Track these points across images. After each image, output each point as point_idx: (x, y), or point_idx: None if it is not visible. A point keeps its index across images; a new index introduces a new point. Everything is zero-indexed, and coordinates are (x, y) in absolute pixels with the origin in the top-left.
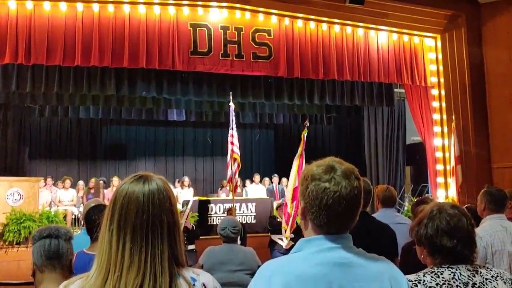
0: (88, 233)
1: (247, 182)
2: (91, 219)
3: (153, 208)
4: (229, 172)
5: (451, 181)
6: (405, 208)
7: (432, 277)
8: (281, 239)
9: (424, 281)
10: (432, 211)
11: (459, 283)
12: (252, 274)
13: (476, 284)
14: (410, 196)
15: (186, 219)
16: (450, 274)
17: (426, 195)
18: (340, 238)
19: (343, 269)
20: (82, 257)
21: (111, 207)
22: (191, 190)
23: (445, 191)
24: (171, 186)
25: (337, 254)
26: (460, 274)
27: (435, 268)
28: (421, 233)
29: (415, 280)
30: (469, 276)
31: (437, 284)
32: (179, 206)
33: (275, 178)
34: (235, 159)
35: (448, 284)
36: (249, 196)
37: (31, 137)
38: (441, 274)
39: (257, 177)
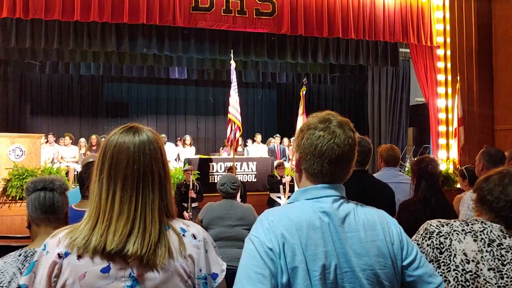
0: (80, 188)
1: (249, 141)
2: (83, 175)
3: (144, 159)
4: (228, 133)
5: (453, 143)
6: (406, 169)
7: (461, 223)
8: (279, 197)
9: (452, 224)
10: (504, 177)
11: (485, 237)
12: (250, 229)
13: (503, 245)
14: (411, 157)
15: (191, 189)
16: (480, 227)
17: (427, 155)
18: (333, 187)
19: (336, 218)
20: (69, 212)
21: (101, 157)
22: (193, 149)
23: (446, 152)
24: (172, 145)
25: (331, 203)
26: (490, 231)
27: (469, 219)
28: (485, 193)
29: (444, 222)
30: (498, 236)
31: (462, 230)
32: (181, 164)
33: (277, 138)
34: (229, 121)
35: (474, 234)
36: (251, 155)
37: (32, 93)
38: (472, 224)
39: (258, 137)
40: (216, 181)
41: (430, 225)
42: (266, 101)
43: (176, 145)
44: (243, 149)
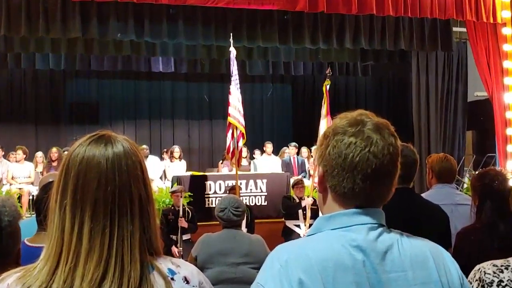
0: (36, 217)
1: (257, 152)
2: (40, 200)
3: (120, 178)
4: (228, 141)
5: None
6: (465, 186)
7: None
8: (298, 226)
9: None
10: None
11: None
12: (259, 269)
13: None
14: (471, 170)
15: (181, 216)
16: None
17: (492, 167)
18: (369, 212)
19: (374, 253)
20: (21, 249)
21: (63, 176)
22: (183, 163)
23: None
24: (156, 158)
25: (366, 233)
26: None
27: None
28: None
29: (501, 266)
30: None
31: None
32: (168, 184)
33: (293, 148)
34: (229, 125)
35: None
36: (259, 170)
37: None
38: None
39: (269, 147)
40: (214, 205)
41: (485, 272)
42: (278, 100)
43: (162, 158)
44: (249, 163)
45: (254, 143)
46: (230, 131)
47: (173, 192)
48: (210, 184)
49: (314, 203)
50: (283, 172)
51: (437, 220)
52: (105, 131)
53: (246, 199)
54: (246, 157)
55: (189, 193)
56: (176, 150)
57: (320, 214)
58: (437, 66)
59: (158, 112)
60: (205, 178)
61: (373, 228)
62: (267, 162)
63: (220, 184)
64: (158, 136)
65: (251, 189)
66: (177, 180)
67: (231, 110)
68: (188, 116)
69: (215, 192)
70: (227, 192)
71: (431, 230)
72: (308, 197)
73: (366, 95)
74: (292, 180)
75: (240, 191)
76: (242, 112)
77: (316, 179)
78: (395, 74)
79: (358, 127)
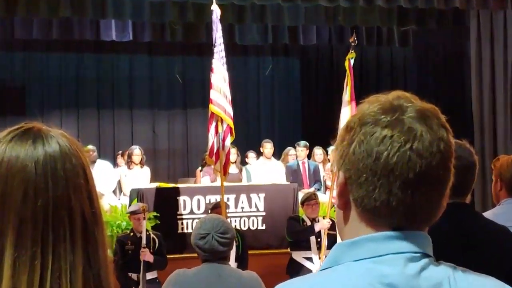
0: None
1: (250, 155)
2: None
3: (55, 188)
4: (211, 139)
5: None
6: None
7: None
8: (310, 259)
9: None
10: None
11: None
12: None
13: None
14: None
15: (144, 246)
16: None
17: None
18: (409, 237)
19: None
20: None
21: None
22: (146, 171)
23: None
24: (108, 164)
25: (404, 267)
26: None
27: None
28: None
29: None
30: None
31: None
32: (125, 200)
33: (301, 149)
34: (212, 115)
35: None
36: (254, 181)
37: None
38: None
39: (267, 147)
40: (190, 230)
41: None
42: (281, 80)
43: (116, 164)
44: (240, 170)
45: (248, 142)
46: (213, 125)
47: (132, 213)
48: (184, 201)
49: (333, 226)
50: (289, 182)
51: (505, 249)
52: (33, 123)
53: (235, 221)
54: (235, 161)
55: (155, 213)
56: (136, 152)
57: (339, 239)
58: (506, 32)
59: (109, 99)
60: (177, 192)
61: (414, 259)
62: (265, 169)
63: (198, 200)
64: (110, 133)
65: (242, 207)
66: (138, 194)
67: (214, 94)
68: (152, 104)
69: (191, 212)
70: (209, 211)
71: (497, 263)
72: (324, 218)
73: (406, 72)
74: (301, 195)
75: (228, 210)
76: (229, 97)
77: (335, 192)
78: (447, 43)
79: (395, 115)
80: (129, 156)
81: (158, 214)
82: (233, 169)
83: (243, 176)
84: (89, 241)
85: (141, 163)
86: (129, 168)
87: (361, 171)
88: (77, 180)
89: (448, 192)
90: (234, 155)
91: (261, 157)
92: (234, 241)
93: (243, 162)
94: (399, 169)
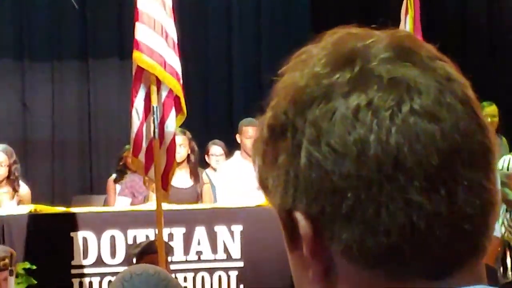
0: None
1: (215, 150)
2: None
3: None
4: (135, 120)
5: None
6: None
7: None
8: None
9: None
10: None
11: None
12: None
13: None
14: None
15: None
16: None
17: None
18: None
19: None
20: None
21: None
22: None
23: None
24: None
25: None
26: None
27: None
28: None
29: None
30: None
31: None
32: None
33: None
34: (139, 73)
35: None
36: (220, 198)
37: None
38: None
39: (250, 132)
40: None
41: None
42: (281, 8)
43: None
44: (196, 179)
45: (211, 125)
46: (141, 92)
47: None
48: (85, 240)
49: None
50: None
51: None
52: None
53: (184, 280)
54: (187, 161)
55: (29, 266)
56: (0, 158)
57: None
58: None
59: None
60: (71, 222)
61: None
62: (243, 175)
63: (113, 238)
64: None
65: (199, 253)
66: None
67: (142, 32)
68: (21, 51)
69: (99, 262)
70: (135, 260)
71: None
72: None
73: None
74: None
75: (170, 259)
76: (174, 39)
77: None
78: None
79: (355, 65)
80: None
81: (35, 267)
82: (182, 178)
83: (202, 190)
84: None
85: (11, 181)
86: None
87: (340, 190)
88: None
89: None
90: (184, 148)
91: (236, 153)
92: None
93: (203, 164)
94: (409, 155)
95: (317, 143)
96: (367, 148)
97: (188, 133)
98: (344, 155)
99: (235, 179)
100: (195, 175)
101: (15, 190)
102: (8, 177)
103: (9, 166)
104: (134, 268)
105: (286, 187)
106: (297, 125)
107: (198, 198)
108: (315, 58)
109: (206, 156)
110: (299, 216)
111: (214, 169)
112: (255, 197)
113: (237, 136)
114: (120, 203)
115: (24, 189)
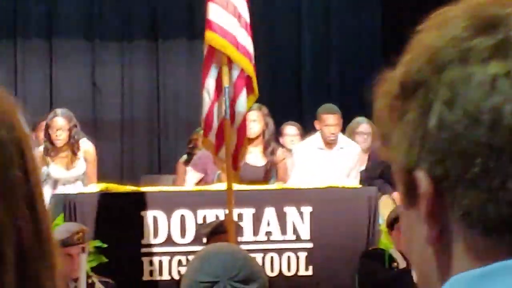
0: None
1: (289, 131)
2: None
3: None
4: (206, 100)
5: None
6: None
7: None
8: None
9: None
10: None
11: None
12: None
13: None
14: None
15: None
16: None
17: None
18: None
19: None
20: None
21: None
22: (81, 160)
23: None
24: None
25: None
26: None
27: None
28: None
29: None
30: None
31: None
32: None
33: None
34: (211, 53)
35: None
36: (293, 178)
37: None
38: None
39: (331, 120)
40: (168, 275)
41: None
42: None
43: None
44: (271, 157)
45: (286, 104)
46: (213, 72)
47: (65, 244)
48: (155, 219)
49: None
50: (364, 185)
51: None
52: None
53: (259, 256)
54: (260, 138)
55: (99, 244)
56: (59, 122)
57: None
58: None
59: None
60: (141, 201)
61: None
62: (318, 163)
63: (183, 217)
64: (9, 81)
65: (269, 233)
66: (66, 206)
67: (215, 12)
68: (91, 31)
69: (169, 241)
70: (207, 239)
71: None
72: None
73: None
74: (385, 208)
75: (239, 239)
76: (247, 19)
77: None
78: None
79: (498, 32)
80: (47, 131)
81: (106, 245)
82: (255, 155)
83: (279, 166)
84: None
85: (70, 144)
86: (48, 154)
87: (468, 155)
88: (8, 174)
89: None
90: (258, 124)
91: (314, 137)
92: None
93: (277, 142)
94: None
95: (451, 105)
96: (502, 118)
97: (264, 108)
98: (477, 121)
99: (310, 161)
100: (269, 152)
101: (74, 154)
102: (68, 141)
103: (69, 130)
104: (212, 247)
105: (411, 146)
106: (431, 85)
107: (270, 176)
108: (455, 21)
109: (280, 135)
110: (421, 176)
111: (289, 150)
112: (327, 176)
113: (316, 123)
114: (191, 177)
115: (88, 145)
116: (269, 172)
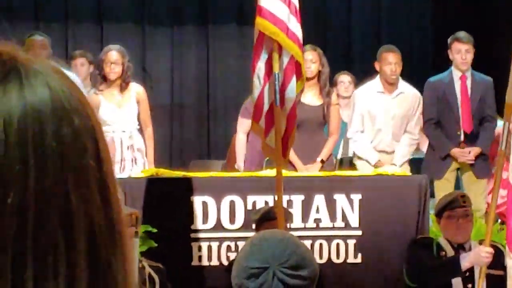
0: None
1: (343, 78)
2: None
3: (41, 173)
4: (257, 86)
5: None
6: None
7: None
8: None
9: None
10: None
11: None
12: None
13: None
14: None
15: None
16: None
17: None
18: None
19: None
20: None
21: None
22: (133, 101)
23: None
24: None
25: None
26: None
27: None
28: None
29: None
30: None
31: None
32: None
33: (466, 46)
34: (261, 38)
35: None
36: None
37: None
38: None
39: (388, 59)
40: (218, 261)
41: None
42: None
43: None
44: (327, 98)
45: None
46: (263, 58)
47: None
48: (205, 204)
49: (497, 261)
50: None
51: None
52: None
53: (310, 242)
54: (319, 76)
55: (150, 229)
56: (113, 56)
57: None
58: None
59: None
60: (190, 186)
61: None
62: (377, 101)
63: (232, 203)
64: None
65: (318, 221)
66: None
67: None
68: (142, 15)
69: (219, 227)
70: (256, 225)
71: None
72: (480, 244)
73: None
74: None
75: (289, 225)
76: (297, 8)
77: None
78: None
79: None
80: (100, 65)
81: (156, 230)
82: (311, 95)
83: (330, 111)
84: (102, 279)
85: (123, 79)
86: (98, 89)
87: None
88: (82, 162)
89: None
90: (314, 64)
91: (374, 81)
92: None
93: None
94: None
95: None
96: None
97: (319, 49)
98: None
99: (370, 105)
100: (325, 93)
101: (123, 88)
102: (121, 75)
103: (123, 65)
104: (264, 233)
105: None
106: None
107: (324, 118)
108: None
109: (335, 86)
110: None
111: (343, 97)
112: (389, 133)
113: (376, 64)
114: (241, 125)
115: (139, 87)
116: (328, 113)
